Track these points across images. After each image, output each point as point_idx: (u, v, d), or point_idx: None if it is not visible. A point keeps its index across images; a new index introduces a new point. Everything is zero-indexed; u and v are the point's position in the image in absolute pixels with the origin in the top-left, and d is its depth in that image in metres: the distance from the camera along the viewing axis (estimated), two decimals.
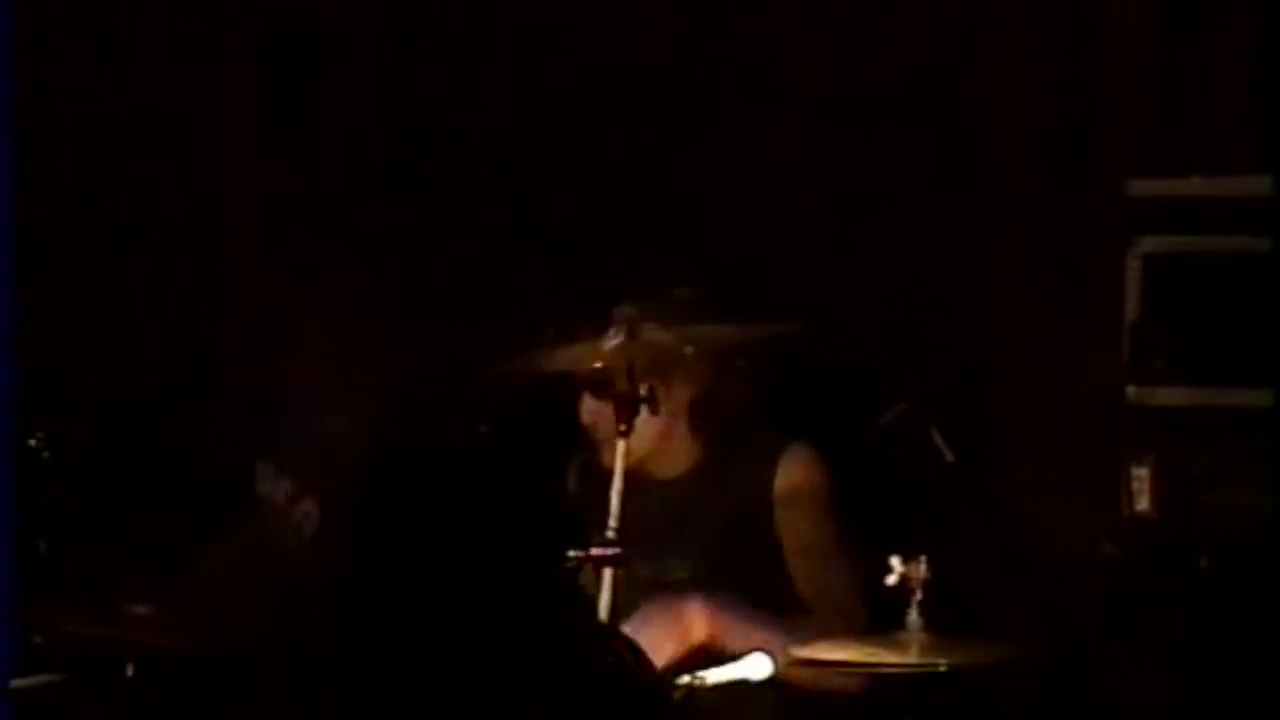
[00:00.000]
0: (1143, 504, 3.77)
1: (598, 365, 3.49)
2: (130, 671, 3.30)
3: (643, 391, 3.42)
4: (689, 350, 3.57)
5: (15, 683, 3.55)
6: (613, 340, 3.44)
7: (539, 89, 4.37)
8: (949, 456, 3.82)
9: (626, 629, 3.38)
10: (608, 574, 3.36)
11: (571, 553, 3.39)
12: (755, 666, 3.46)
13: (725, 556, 3.75)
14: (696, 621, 3.59)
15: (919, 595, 3.38)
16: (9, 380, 4.11)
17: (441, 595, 3.07)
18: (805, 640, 3.43)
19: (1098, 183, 3.91)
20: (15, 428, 3.57)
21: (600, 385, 3.60)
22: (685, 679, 3.35)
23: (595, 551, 3.36)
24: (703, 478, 3.79)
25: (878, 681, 3.45)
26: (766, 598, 3.71)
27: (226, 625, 3.22)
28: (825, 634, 3.53)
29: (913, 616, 3.39)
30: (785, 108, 4.27)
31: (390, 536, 3.03)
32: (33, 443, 3.63)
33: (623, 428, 3.40)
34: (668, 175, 4.32)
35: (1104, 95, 4.04)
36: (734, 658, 3.47)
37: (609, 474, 3.46)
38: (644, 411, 3.47)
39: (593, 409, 3.71)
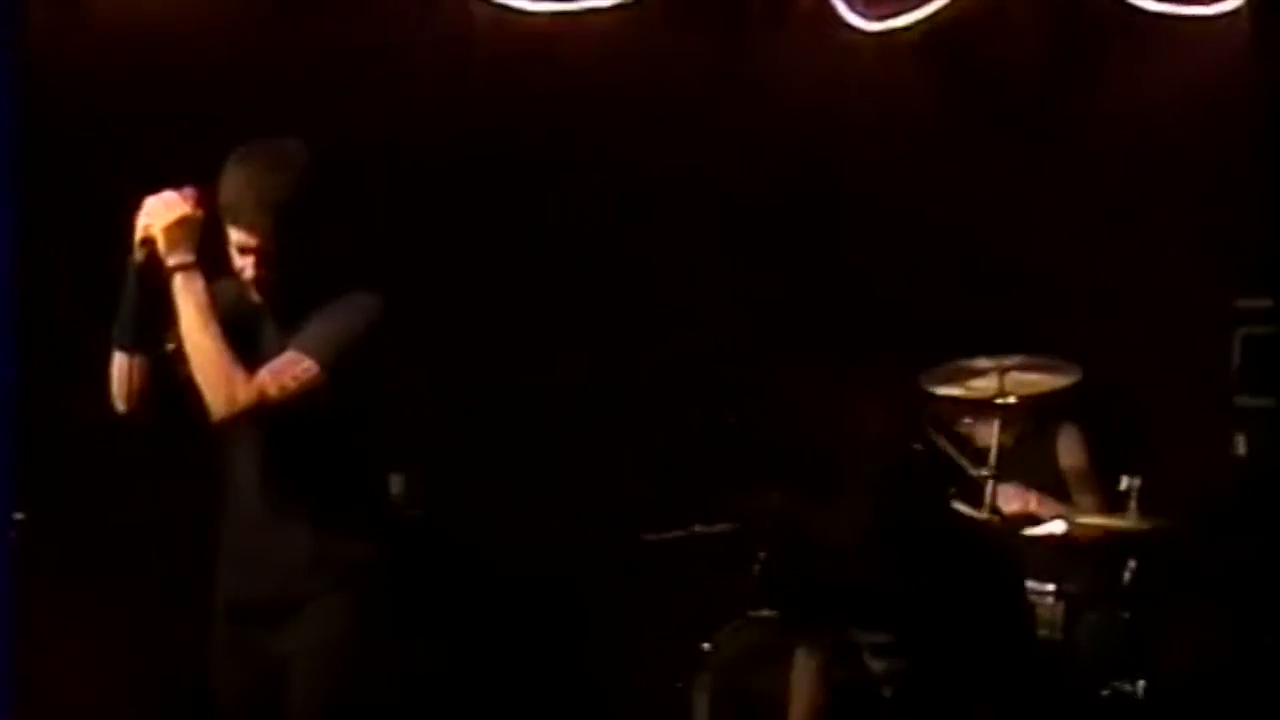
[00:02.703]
0: (1240, 450, 6.59)
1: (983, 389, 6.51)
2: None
3: (1010, 401, 6.46)
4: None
5: (699, 528, 6.12)
6: (993, 379, 6.42)
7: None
8: None
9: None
10: (989, 484, 6.38)
11: (971, 472, 6.38)
12: (1057, 526, 6.29)
13: (1041, 479, 6.65)
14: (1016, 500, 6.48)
15: (1135, 495, 6.11)
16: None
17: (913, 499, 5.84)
18: (1076, 516, 6.32)
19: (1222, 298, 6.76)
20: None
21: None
22: (1027, 530, 6.25)
23: (984, 472, 6.35)
24: (1021, 443, 6.70)
25: (1116, 535, 6.18)
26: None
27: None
28: (1085, 512, 6.39)
29: (1132, 505, 6.13)
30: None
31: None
32: (732, 420, 6.31)
33: (998, 422, 6.43)
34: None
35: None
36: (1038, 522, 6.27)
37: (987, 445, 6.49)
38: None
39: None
